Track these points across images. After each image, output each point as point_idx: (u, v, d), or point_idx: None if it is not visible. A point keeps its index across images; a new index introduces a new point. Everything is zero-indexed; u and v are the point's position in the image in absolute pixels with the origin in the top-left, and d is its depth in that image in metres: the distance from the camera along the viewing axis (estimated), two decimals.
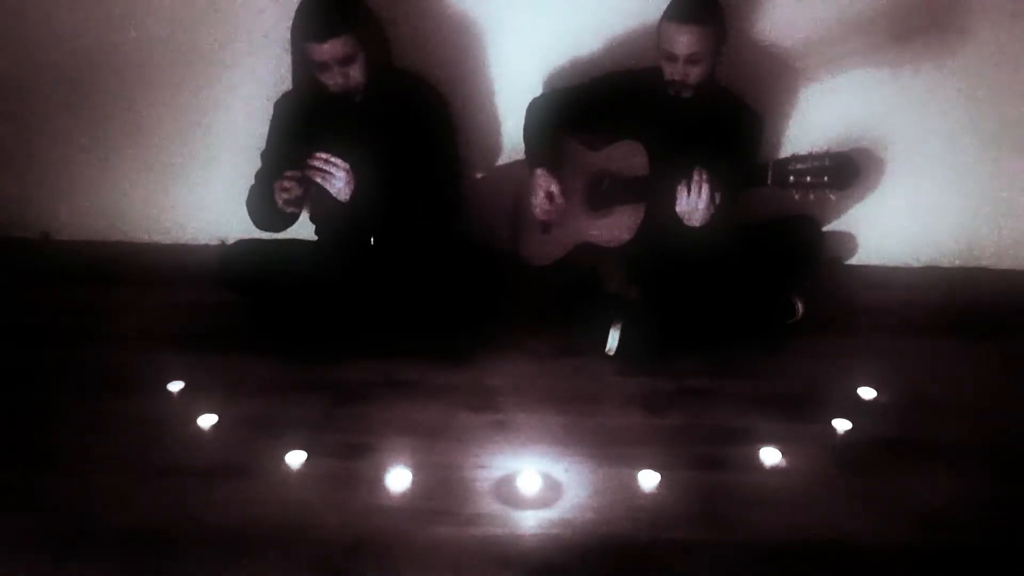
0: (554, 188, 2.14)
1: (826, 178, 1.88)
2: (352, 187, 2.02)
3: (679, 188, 1.97)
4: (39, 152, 2.69)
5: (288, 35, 2.06)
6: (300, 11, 2.00)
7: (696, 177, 1.95)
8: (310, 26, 1.97)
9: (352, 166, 2.01)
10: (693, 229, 2.01)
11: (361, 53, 2.00)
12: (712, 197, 1.95)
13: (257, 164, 2.19)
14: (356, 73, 2.02)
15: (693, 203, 1.96)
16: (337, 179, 2.00)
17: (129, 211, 2.77)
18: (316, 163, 1.99)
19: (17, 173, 2.73)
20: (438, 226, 2.18)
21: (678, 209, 1.99)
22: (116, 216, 2.78)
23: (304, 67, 2.05)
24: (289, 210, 2.05)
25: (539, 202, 2.18)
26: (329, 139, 2.03)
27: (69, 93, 2.58)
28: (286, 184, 2.00)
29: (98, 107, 2.60)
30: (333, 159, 1.99)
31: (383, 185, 2.06)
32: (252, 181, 2.18)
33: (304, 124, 2.13)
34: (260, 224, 2.18)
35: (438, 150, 2.21)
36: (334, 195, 2.02)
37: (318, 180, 2.00)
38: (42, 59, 2.53)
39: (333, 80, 2.02)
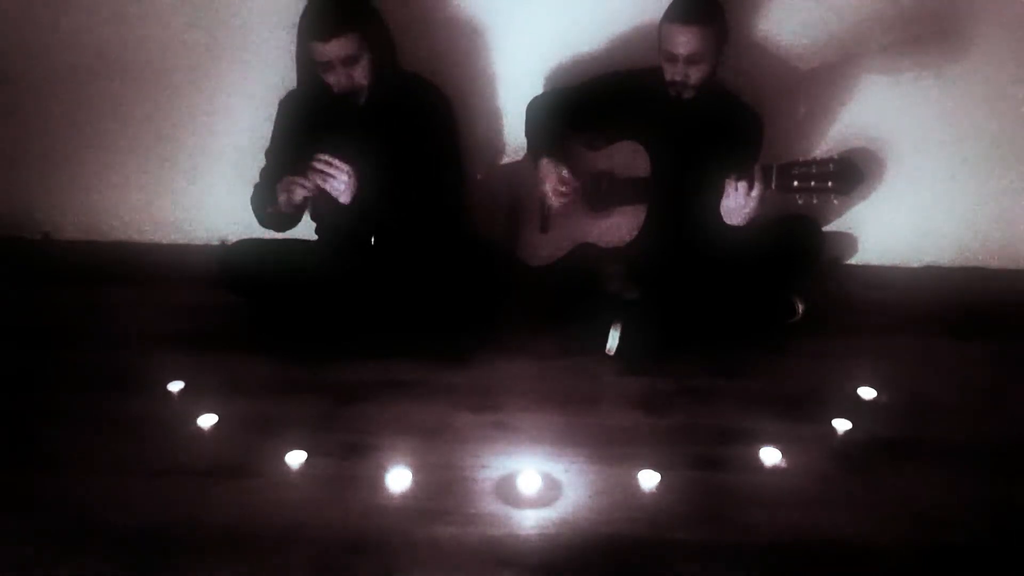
0: (564, 172, 2.13)
1: (830, 183, 1.87)
2: (354, 190, 2.01)
3: (728, 183, 1.96)
4: (39, 152, 2.69)
5: (291, 35, 2.05)
6: (307, 9, 2.00)
7: (752, 175, 1.93)
8: (315, 24, 1.96)
9: (355, 168, 2.00)
10: (712, 226, 2.01)
11: (366, 54, 2.00)
12: (762, 196, 1.94)
13: (259, 163, 2.19)
14: (360, 74, 2.02)
15: (742, 199, 1.95)
16: (339, 181, 1.98)
17: (130, 211, 2.78)
18: (318, 165, 1.98)
19: (17, 173, 2.73)
20: (441, 228, 2.18)
21: (725, 204, 1.97)
22: (116, 216, 2.79)
23: (309, 66, 2.04)
24: (290, 211, 2.05)
25: (552, 189, 2.16)
26: (332, 140, 2.02)
27: (70, 93, 2.59)
28: (287, 187, 2.00)
29: (98, 107, 2.60)
30: (335, 161, 1.98)
31: (386, 187, 2.05)
32: (253, 181, 2.18)
33: (308, 124, 2.12)
34: (264, 223, 2.18)
35: (441, 153, 2.20)
36: (336, 197, 2.01)
37: (319, 182, 1.99)
38: (42, 59, 2.53)
39: (336, 80, 2.01)
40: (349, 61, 1.99)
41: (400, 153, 2.12)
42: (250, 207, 2.18)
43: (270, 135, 2.21)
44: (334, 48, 1.95)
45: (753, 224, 2.02)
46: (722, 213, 2.00)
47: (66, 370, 2.10)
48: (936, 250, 2.70)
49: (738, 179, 1.95)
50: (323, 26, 1.95)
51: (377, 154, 2.05)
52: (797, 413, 1.95)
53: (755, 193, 1.94)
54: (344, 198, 2.01)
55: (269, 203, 2.09)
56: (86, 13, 2.46)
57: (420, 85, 2.22)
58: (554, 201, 2.18)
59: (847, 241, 2.71)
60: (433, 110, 2.21)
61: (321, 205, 2.09)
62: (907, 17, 2.36)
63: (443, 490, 1.70)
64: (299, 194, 2.00)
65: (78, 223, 2.81)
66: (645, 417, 1.94)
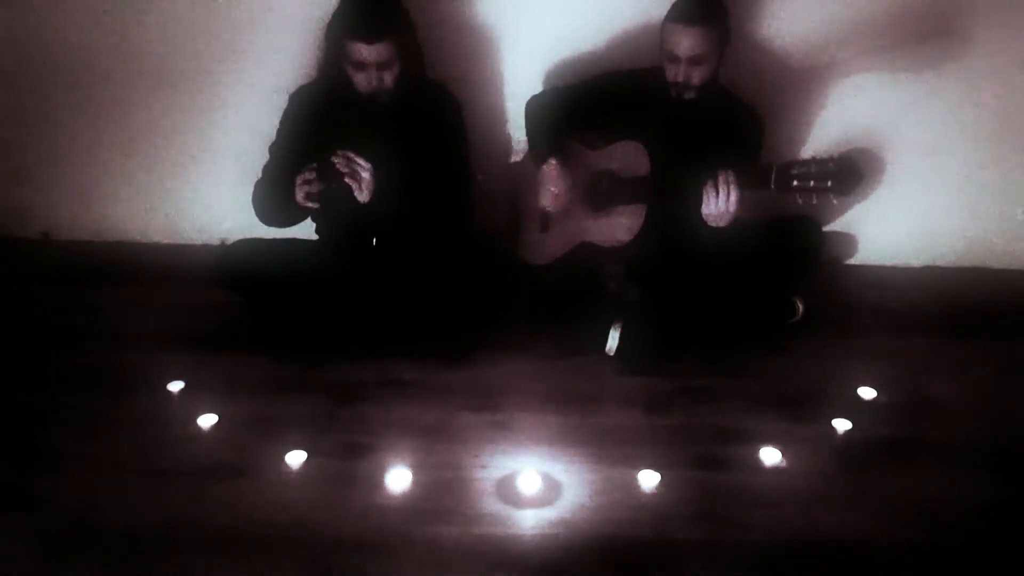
0: (564, 182, 2.13)
1: (829, 183, 1.87)
2: (372, 189, 2.01)
3: (706, 190, 1.96)
4: (39, 152, 2.69)
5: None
6: (347, 8, 2.01)
7: (723, 179, 1.94)
8: (360, 26, 1.97)
9: (374, 167, 2.00)
10: (700, 229, 2.01)
11: (398, 61, 2.02)
12: (739, 198, 1.95)
13: (259, 164, 2.18)
14: (389, 78, 2.03)
15: (722, 205, 1.95)
16: (363, 180, 1.99)
17: (130, 211, 2.78)
18: (342, 160, 1.97)
19: (17, 173, 2.73)
20: (447, 230, 2.18)
21: (705, 211, 1.98)
22: (117, 216, 2.79)
23: (335, 62, 2.04)
24: (310, 204, 2.02)
25: (549, 193, 2.16)
26: (350, 137, 2.01)
27: (69, 93, 2.58)
28: (308, 179, 1.98)
29: (98, 107, 2.60)
30: (359, 159, 1.98)
31: (398, 188, 2.05)
32: (254, 181, 2.16)
33: (323, 118, 2.11)
34: (267, 219, 2.17)
35: (452, 156, 2.21)
36: (356, 195, 2.00)
37: (344, 178, 1.98)
38: (42, 59, 2.53)
39: (367, 81, 2.02)
40: (384, 65, 2.00)
41: (414, 155, 2.11)
42: (251, 205, 2.16)
43: (276, 131, 2.18)
44: (376, 51, 1.96)
45: (746, 224, 2.02)
46: (704, 218, 2.00)
47: (66, 370, 2.10)
48: (936, 250, 2.70)
49: (713, 184, 1.95)
50: (370, 29, 1.96)
51: (392, 155, 2.04)
52: (797, 413, 1.95)
53: (733, 196, 1.94)
54: (363, 196, 2.01)
55: (278, 197, 2.07)
56: (85, 13, 2.46)
57: (435, 89, 2.23)
58: (546, 204, 2.18)
59: (847, 241, 2.71)
60: (446, 113, 2.22)
61: (335, 202, 2.05)
62: (908, 16, 2.36)
63: (443, 490, 1.70)
64: (318, 187, 1.98)
65: (78, 223, 2.80)
66: (645, 417, 1.94)
